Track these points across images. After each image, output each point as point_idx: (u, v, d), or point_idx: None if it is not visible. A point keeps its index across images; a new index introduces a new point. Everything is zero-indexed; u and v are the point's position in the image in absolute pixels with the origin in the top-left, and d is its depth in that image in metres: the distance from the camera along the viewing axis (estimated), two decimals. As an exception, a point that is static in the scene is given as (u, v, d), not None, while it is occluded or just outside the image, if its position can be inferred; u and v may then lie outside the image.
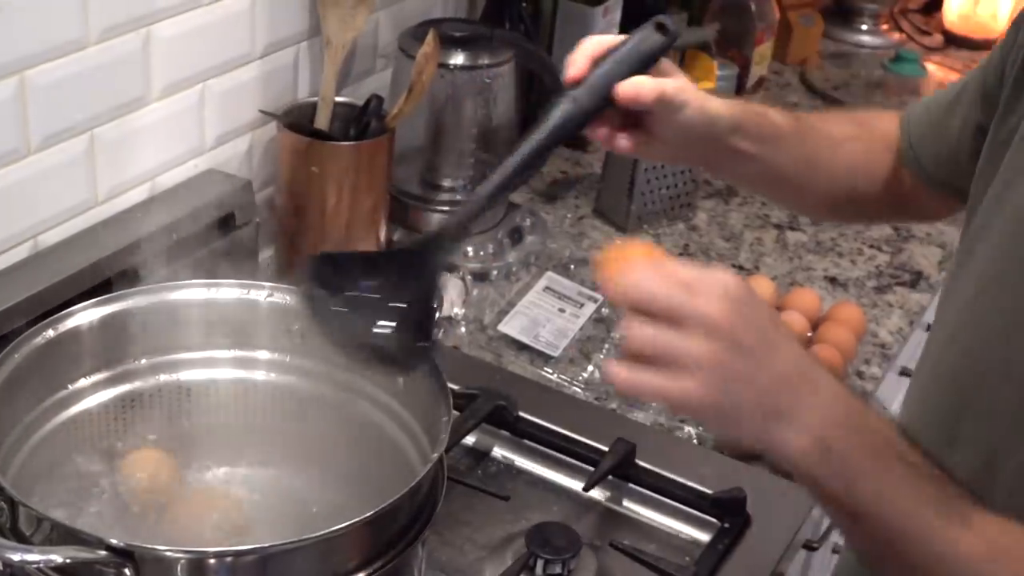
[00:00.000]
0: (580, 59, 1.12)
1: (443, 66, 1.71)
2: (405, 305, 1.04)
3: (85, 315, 1.12)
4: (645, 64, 1.13)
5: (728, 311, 0.89)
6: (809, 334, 1.67)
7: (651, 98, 1.12)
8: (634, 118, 1.17)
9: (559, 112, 1.09)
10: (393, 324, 1.03)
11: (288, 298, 1.17)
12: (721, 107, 1.19)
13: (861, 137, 1.35)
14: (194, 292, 1.17)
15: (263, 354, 1.19)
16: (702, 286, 0.90)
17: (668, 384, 0.88)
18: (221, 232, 1.59)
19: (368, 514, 0.96)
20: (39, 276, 1.39)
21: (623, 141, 1.17)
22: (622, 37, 1.15)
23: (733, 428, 0.92)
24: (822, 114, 1.40)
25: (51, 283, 1.37)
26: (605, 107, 1.12)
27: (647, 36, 1.14)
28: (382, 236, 1.72)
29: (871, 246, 1.97)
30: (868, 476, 0.90)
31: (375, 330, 1.03)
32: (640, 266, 0.92)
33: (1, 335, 1.31)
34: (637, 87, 1.12)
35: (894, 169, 1.33)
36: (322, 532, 0.95)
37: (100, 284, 1.41)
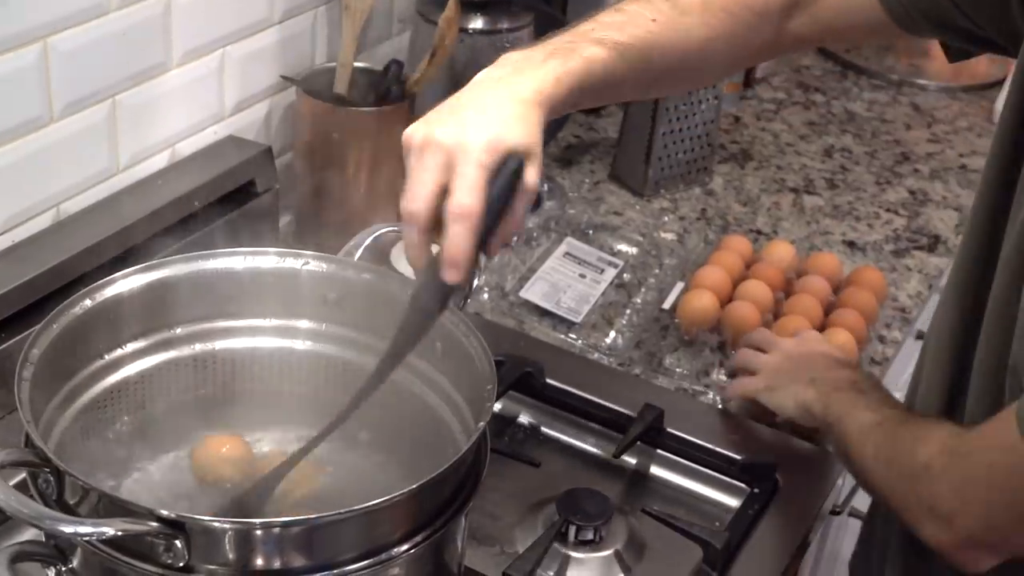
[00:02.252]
0: (415, 262, 1.03)
1: (463, 31, 1.70)
2: None
3: (123, 284, 1.10)
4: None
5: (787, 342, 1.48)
6: (831, 298, 1.67)
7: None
8: None
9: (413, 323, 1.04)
10: None
11: (324, 266, 1.16)
12: (545, 113, 1.04)
13: (721, 36, 1.21)
14: (230, 260, 1.15)
15: (302, 323, 1.18)
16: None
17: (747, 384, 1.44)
18: (242, 199, 1.58)
19: (415, 486, 0.96)
20: (63, 245, 1.38)
21: None
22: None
23: (775, 399, 1.41)
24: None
25: (75, 252, 1.37)
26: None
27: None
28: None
29: (888, 210, 1.97)
30: (833, 404, 1.28)
31: None
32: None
33: (26, 305, 1.32)
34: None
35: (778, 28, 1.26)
36: (369, 504, 0.94)
37: (124, 253, 1.41)
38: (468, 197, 0.96)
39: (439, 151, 0.98)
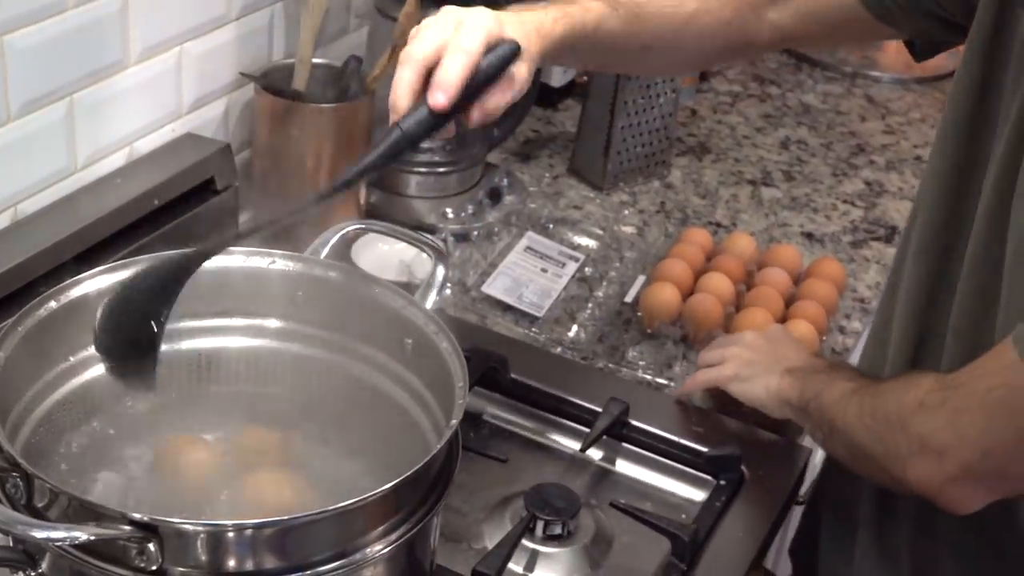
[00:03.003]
0: (402, 99, 1.10)
1: (422, 26, 1.69)
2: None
3: (90, 284, 1.09)
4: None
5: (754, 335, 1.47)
6: (792, 290, 1.68)
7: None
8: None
9: (390, 139, 1.09)
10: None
11: (291, 264, 1.16)
12: (542, 43, 1.16)
13: (710, 11, 1.32)
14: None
15: (270, 322, 1.17)
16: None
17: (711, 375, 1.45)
18: (201, 197, 1.57)
19: (387, 485, 0.95)
20: (21, 246, 1.37)
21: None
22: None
23: (745, 390, 1.41)
24: None
25: (33, 253, 1.36)
26: (441, 124, 1.09)
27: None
28: (362, 200, 1.71)
29: (845, 201, 1.98)
30: (813, 383, 1.29)
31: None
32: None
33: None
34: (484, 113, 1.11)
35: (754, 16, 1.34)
36: (341, 504, 0.94)
37: (83, 252, 1.40)
38: (468, 40, 1.06)
39: (454, 14, 1.10)
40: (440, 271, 1.14)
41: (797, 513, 1.68)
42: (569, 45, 1.19)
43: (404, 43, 1.57)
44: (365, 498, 0.94)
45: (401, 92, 1.09)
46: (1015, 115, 1.10)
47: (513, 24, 1.12)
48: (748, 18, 1.33)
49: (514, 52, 1.10)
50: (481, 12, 1.10)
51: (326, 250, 1.16)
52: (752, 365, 1.41)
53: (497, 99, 1.10)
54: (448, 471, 1.04)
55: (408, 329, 1.10)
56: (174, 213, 1.53)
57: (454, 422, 0.99)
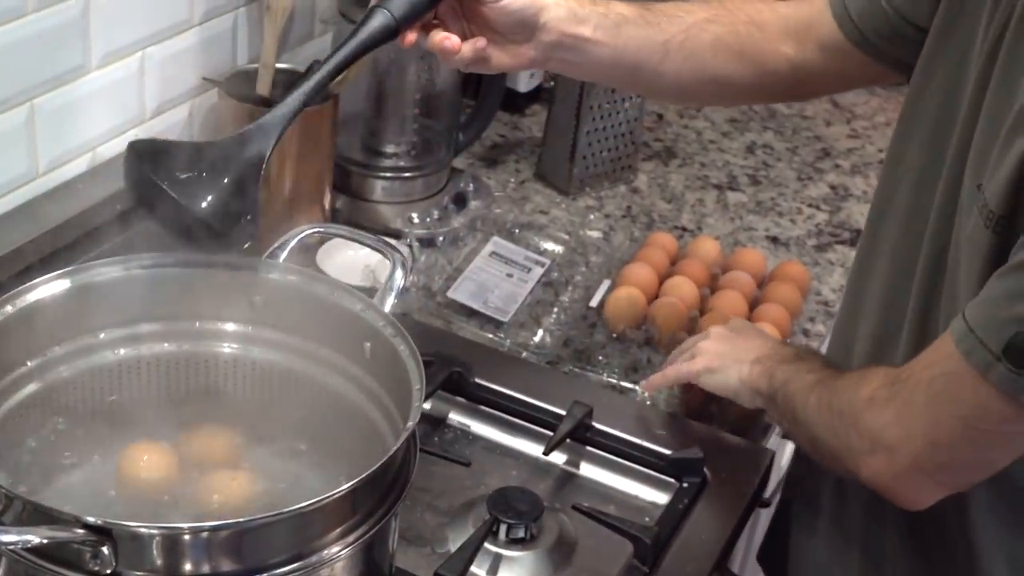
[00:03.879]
0: None
1: (386, 31, 1.69)
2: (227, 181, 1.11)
3: (45, 289, 1.09)
4: None
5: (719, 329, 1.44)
6: (756, 293, 1.68)
7: None
8: (468, 22, 1.24)
9: (375, 22, 1.16)
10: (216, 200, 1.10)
11: (252, 269, 1.15)
12: None
13: (720, 19, 1.36)
14: (155, 263, 1.14)
15: (228, 326, 1.17)
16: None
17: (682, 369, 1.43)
18: (165, 203, 1.56)
19: (344, 487, 0.95)
20: (-19, 251, 1.36)
21: (448, 43, 1.21)
22: None
23: (714, 383, 1.40)
24: (675, 2, 1.39)
25: (-5, 258, 1.35)
26: (423, 13, 1.17)
27: None
28: (327, 204, 1.71)
29: (810, 205, 1.99)
30: (777, 373, 1.29)
31: (200, 206, 1.09)
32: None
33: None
34: None
35: (766, 49, 1.36)
36: (298, 506, 0.94)
37: (44, 257, 1.39)
38: None
39: None
40: (399, 274, 1.14)
41: (763, 518, 1.68)
42: (581, 19, 1.26)
43: (367, 48, 1.59)
44: (321, 500, 0.94)
45: None
46: (959, 129, 1.12)
47: None
48: (766, 48, 1.37)
49: None
50: None
51: (285, 253, 1.16)
52: (722, 357, 1.39)
53: None
54: (405, 473, 1.04)
55: (367, 332, 1.10)
56: (136, 218, 1.52)
57: (410, 424, 0.99)
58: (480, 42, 1.23)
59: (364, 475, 0.96)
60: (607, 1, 1.31)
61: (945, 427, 1.06)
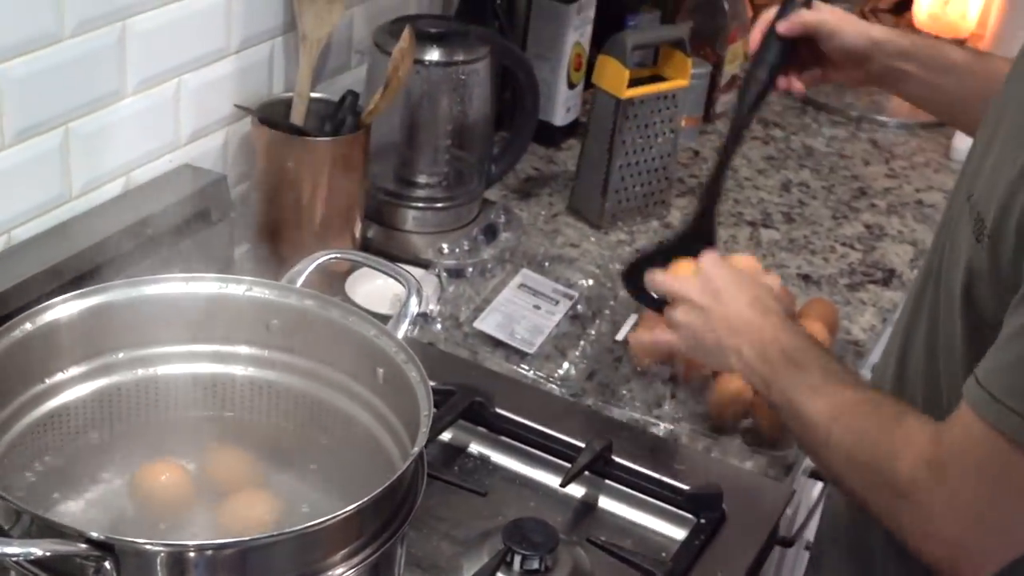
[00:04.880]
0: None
1: (418, 62, 1.71)
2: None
3: (64, 308, 1.11)
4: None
5: (693, 284, 1.38)
6: (783, 331, 1.67)
7: (814, 21, 1.45)
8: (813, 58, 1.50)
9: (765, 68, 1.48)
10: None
11: (267, 292, 1.17)
12: (885, 33, 1.47)
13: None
14: (173, 286, 1.16)
15: (242, 349, 1.18)
16: (688, 273, 1.42)
17: (661, 339, 1.43)
18: (196, 227, 1.58)
19: (348, 509, 0.96)
20: (12, 271, 1.38)
21: (796, 86, 1.52)
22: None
23: (702, 360, 1.44)
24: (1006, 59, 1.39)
25: (24, 278, 1.37)
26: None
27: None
28: (357, 233, 1.72)
29: (844, 244, 1.98)
30: (779, 378, 1.26)
31: None
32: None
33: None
34: (801, 16, 1.45)
35: None
36: (302, 526, 0.95)
37: (74, 279, 1.41)
38: None
39: None
40: (413, 301, 1.15)
41: (788, 558, 1.67)
42: (908, 56, 1.46)
43: (397, 78, 1.61)
44: (324, 521, 0.95)
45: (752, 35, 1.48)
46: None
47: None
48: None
49: None
50: None
51: (302, 279, 1.17)
52: (700, 342, 1.37)
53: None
54: (412, 498, 1.04)
55: (380, 358, 1.11)
56: (168, 243, 1.54)
57: (416, 449, 1.00)
58: (817, 73, 1.52)
59: (367, 498, 0.97)
60: (940, 44, 1.50)
61: (1001, 506, 1.06)
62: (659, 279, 1.43)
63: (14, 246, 1.43)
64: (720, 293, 1.36)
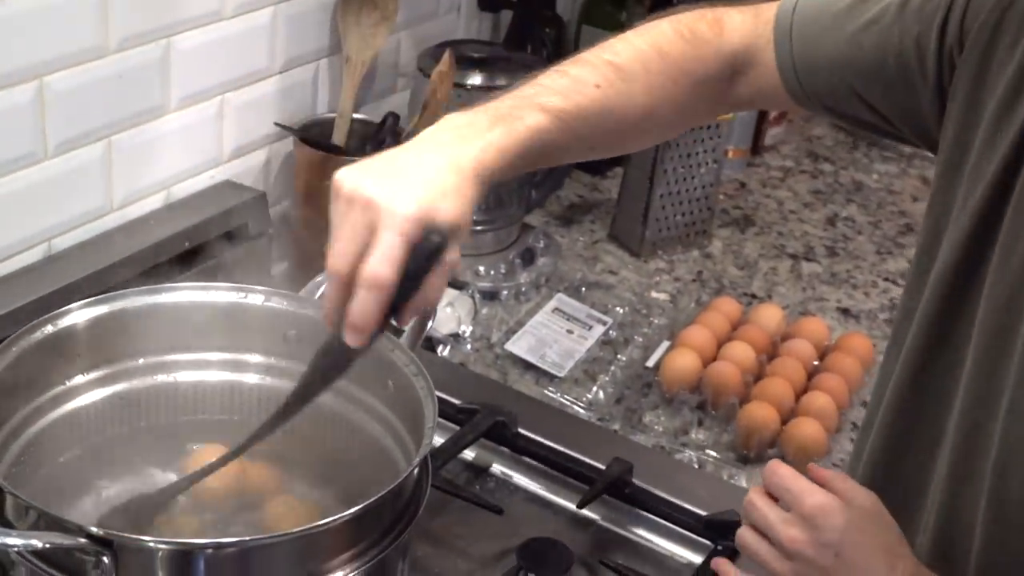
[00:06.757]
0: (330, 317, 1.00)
1: (459, 86, 1.73)
2: None
3: (84, 312, 1.13)
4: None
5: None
6: (816, 362, 1.67)
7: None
8: None
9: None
10: None
11: (285, 303, 1.19)
12: (481, 186, 1.02)
13: (665, 102, 1.17)
14: (192, 294, 1.18)
15: (256, 357, 1.20)
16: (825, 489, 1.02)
17: (767, 558, 1.04)
18: (234, 243, 1.61)
19: (348, 512, 0.97)
20: (50, 279, 1.41)
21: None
22: None
23: None
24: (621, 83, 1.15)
25: (61, 286, 1.40)
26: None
27: None
28: (395, 252, 1.73)
29: (886, 279, 1.97)
30: None
31: None
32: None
33: (9, 335, 1.34)
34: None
35: (713, 97, 1.21)
36: (303, 527, 0.96)
37: (110, 288, 1.44)
38: (382, 266, 0.93)
39: (366, 209, 0.95)
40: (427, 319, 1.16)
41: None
42: (513, 170, 1.06)
43: (435, 101, 1.63)
44: (326, 523, 0.97)
45: (329, 311, 0.99)
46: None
47: (446, 178, 0.98)
48: (706, 97, 1.20)
49: (439, 247, 0.95)
50: (402, 198, 0.95)
51: (321, 291, 1.19)
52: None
53: (428, 293, 0.97)
54: (415, 505, 1.05)
55: (390, 371, 1.12)
56: (205, 256, 1.57)
57: (417, 458, 1.01)
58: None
59: (368, 501, 0.98)
60: (529, 133, 1.07)
61: None
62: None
63: (54, 255, 1.46)
64: (855, 548, 1.00)
